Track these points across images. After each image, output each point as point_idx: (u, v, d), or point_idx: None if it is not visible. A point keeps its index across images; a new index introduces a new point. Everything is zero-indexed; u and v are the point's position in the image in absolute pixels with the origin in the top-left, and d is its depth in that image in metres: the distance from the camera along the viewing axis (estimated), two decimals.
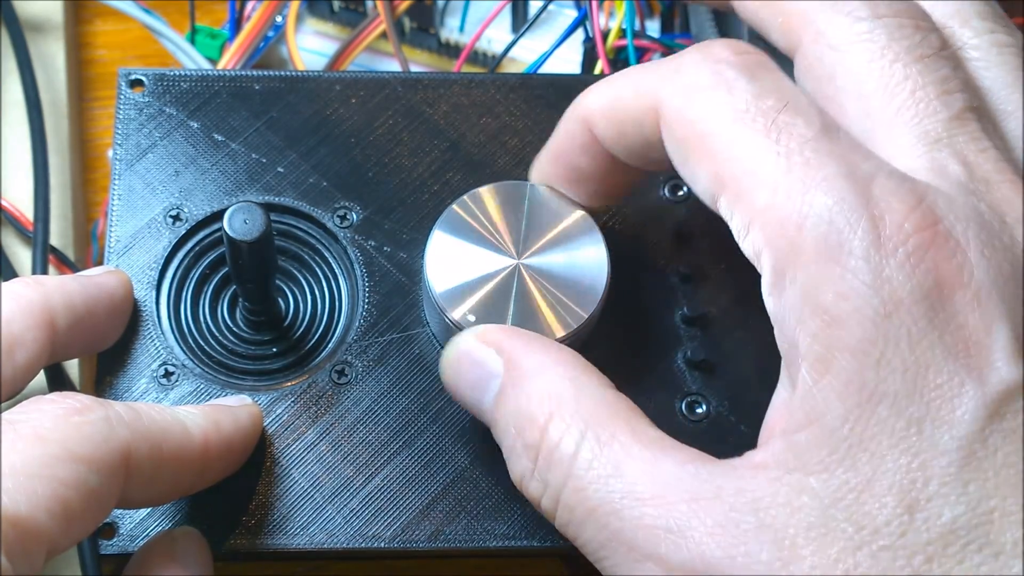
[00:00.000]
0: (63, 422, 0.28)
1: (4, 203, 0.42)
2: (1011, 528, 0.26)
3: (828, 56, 0.31)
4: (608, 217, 0.38)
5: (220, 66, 0.45)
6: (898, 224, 0.27)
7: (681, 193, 0.39)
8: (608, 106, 0.33)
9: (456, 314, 0.34)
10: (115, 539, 0.34)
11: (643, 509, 0.28)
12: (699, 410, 0.36)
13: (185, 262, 0.37)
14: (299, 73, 0.41)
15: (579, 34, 0.45)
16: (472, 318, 0.34)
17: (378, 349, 0.36)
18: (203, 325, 0.37)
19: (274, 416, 0.35)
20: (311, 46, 0.49)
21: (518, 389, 0.31)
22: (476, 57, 0.49)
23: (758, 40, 0.34)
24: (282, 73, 0.40)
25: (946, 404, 0.27)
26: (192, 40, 0.47)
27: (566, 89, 0.40)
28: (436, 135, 0.39)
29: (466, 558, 0.39)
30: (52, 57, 0.48)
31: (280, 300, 0.37)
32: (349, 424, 0.35)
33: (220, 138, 0.39)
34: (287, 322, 0.37)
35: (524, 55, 0.47)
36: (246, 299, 0.36)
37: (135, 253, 0.37)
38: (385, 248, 0.38)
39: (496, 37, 0.48)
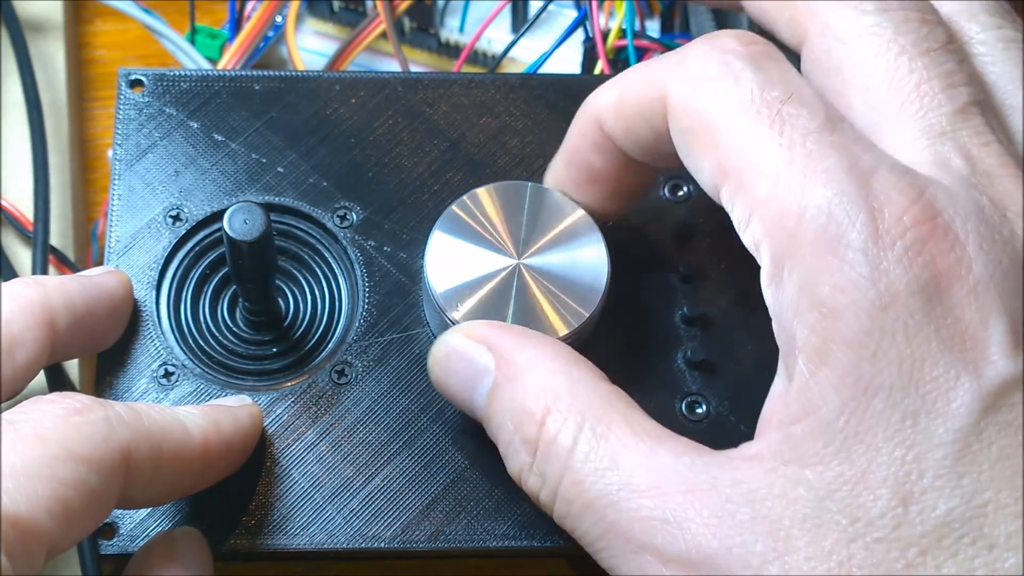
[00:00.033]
0: (63, 422, 0.28)
1: (4, 203, 0.42)
2: (1005, 521, 0.26)
3: (835, 49, 0.31)
4: None
5: (220, 66, 0.45)
6: (897, 217, 0.28)
7: (681, 193, 0.39)
8: (617, 100, 0.33)
9: (456, 315, 0.34)
10: (115, 539, 0.34)
11: (640, 501, 0.28)
12: (699, 410, 0.36)
13: (185, 262, 0.37)
14: (299, 73, 0.41)
15: (579, 34, 0.45)
16: (462, 307, 0.34)
17: (378, 349, 0.36)
18: (203, 325, 0.37)
19: (274, 416, 0.35)
20: (311, 46, 0.49)
21: (513, 384, 0.31)
22: (476, 57, 0.49)
23: (762, 36, 0.34)
24: (282, 73, 0.40)
25: (941, 397, 0.27)
26: (192, 40, 0.47)
27: (566, 89, 0.40)
28: (436, 135, 0.39)
29: (466, 558, 0.39)
30: (52, 57, 0.48)
31: (280, 300, 0.37)
32: (349, 424, 0.35)
33: (220, 138, 0.39)
34: (287, 322, 0.37)
35: (524, 55, 0.47)
36: (246, 299, 0.36)
37: (135, 253, 0.37)
38: (385, 248, 0.38)
39: (496, 37, 0.48)
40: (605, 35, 0.44)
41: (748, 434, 0.30)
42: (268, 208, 0.34)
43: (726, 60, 0.30)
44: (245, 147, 0.39)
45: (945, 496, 0.26)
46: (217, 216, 0.37)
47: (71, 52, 0.49)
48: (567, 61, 0.47)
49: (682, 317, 0.37)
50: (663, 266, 0.38)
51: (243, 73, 0.40)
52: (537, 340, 0.32)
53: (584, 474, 0.29)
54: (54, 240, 0.42)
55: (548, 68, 0.44)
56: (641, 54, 0.43)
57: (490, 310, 0.34)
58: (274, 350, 0.36)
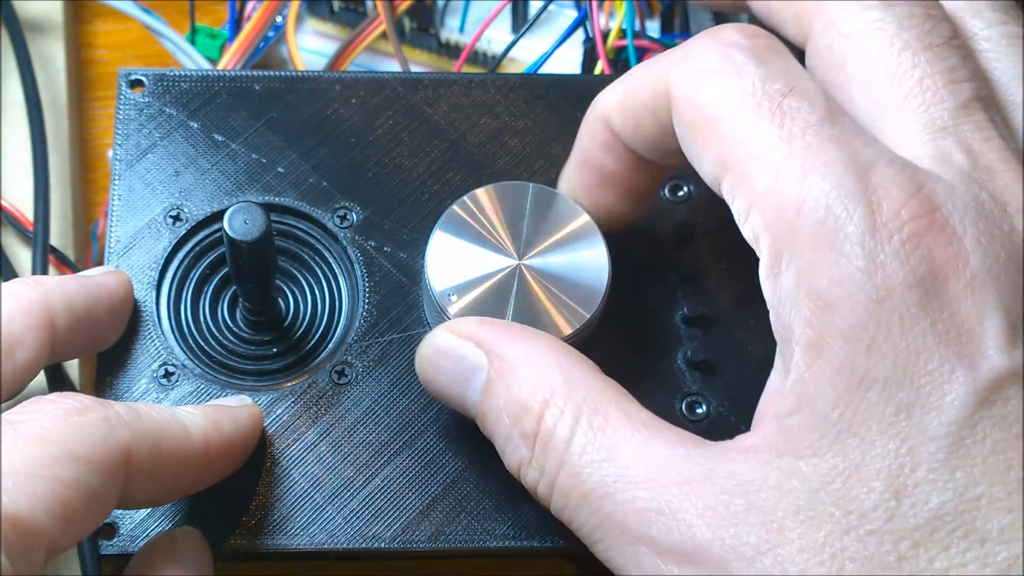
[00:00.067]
0: (63, 422, 0.28)
1: (4, 203, 0.42)
2: (997, 515, 0.26)
3: (838, 44, 0.31)
4: None
5: (220, 66, 0.45)
6: (895, 211, 0.28)
7: (681, 193, 0.39)
8: (623, 98, 0.33)
9: (456, 315, 0.34)
10: (115, 539, 0.34)
11: (635, 492, 0.29)
12: (699, 410, 0.36)
13: (185, 262, 0.37)
14: (299, 73, 0.41)
15: (579, 34, 0.45)
16: (454, 298, 0.34)
17: (378, 349, 0.36)
18: (203, 325, 0.37)
19: (274, 416, 0.35)
20: (311, 46, 0.49)
21: (507, 379, 0.31)
22: (476, 57, 0.49)
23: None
24: (282, 73, 0.40)
25: (936, 390, 0.27)
26: (192, 40, 0.47)
27: (566, 89, 0.40)
28: (436, 135, 0.39)
29: (466, 558, 0.39)
30: (52, 57, 0.48)
31: (280, 300, 0.37)
32: (349, 424, 0.35)
33: (220, 138, 0.39)
34: (287, 322, 0.37)
35: (524, 55, 0.47)
36: (246, 299, 0.36)
37: (135, 253, 0.37)
38: (385, 248, 0.38)
39: (496, 37, 0.48)
40: (605, 35, 0.44)
41: None
42: (268, 208, 0.34)
43: (729, 53, 0.30)
44: (245, 147, 0.39)
45: (938, 489, 0.26)
46: (217, 216, 0.37)
47: (71, 52, 0.49)
48: (567, 61, 0.47)
49: (682, 317, 0.37)
50: (663, 266, 0.38)
51: (243, 73, 0.40)
52: (526, 334, 0.32)
53: (581, 466, 0.29)
54: (54, 240, 0.42)
55: (548, 68, 0.44)
56: (641, 54, 0.43)
57: (490, 311, 0.34)
58: (274, 350, 0.36)
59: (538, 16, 0.45)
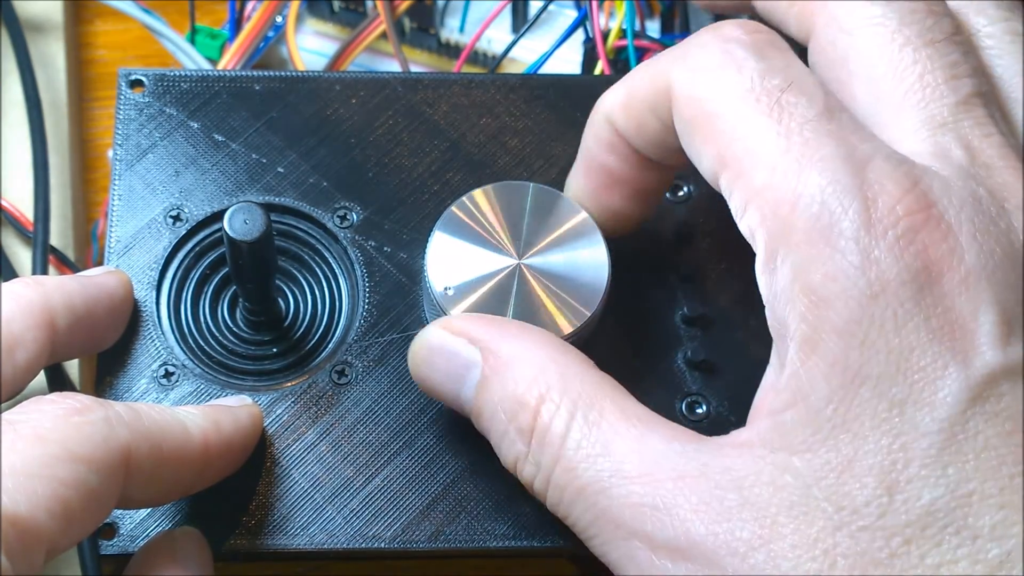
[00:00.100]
0: (63, 422, 0.28)
1: (4, 203, 0.42)
2: (989, 512, 0.26)
3: (840, 40, 0.31)
4: None
5: (220, 66, 0.45)
6: (890, 207, 0.28)
7: (681, 193, 0.39)
8: (625, 97, 0.33)
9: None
10: (115, 539, 0.34)
11: (630, 487, 0.29)
12: (699, 410, 0.36)
13: (185, 262, 0.37)
14: (299, 73, 0.41)
15: (579, 34, 0.45)
16: (451, 291, 0.34)
17: (378, 349, 0.36)
18: (203, 325, 0.37)
19: (274, 416, 0.35)
20: (311, 46, 0.49)
21: (502, 376, 0.31)
22: (476, 57, 0.49)
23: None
24: (282, 73, 0.40)
25: (929, 386, 0.27)
26: (192, 40, 0.47)
27: (566, 89, 0.40)
28: (436, 135, 0.39)
29: (466, 558, 0.39)
30: (52, 57, 0.48)
31: (280, 300, 0.37)
32: (349, 424, 0.35)
33: (220, 138, 0.39)
34: (287, 322, 0.37)
35: (524, 55, 0.47)
36: (246, 299, 0.36)
37: (135, 253, 0.37)
38: (385, 248, 0.38)
39: (496, 37, 0.48)
40: (605, 35, 0.44)
41: None
42: (268, 208, 0.34)
43: (729, 49, 0.30)
44: (245, 147, 0.39)
45: (930, 485, 0.26)
46: (217, 216, 0.37)
47: (71, 52, 0.49)
48: (567, 61, 0.47)
49: (682, 317, 0.37)
50: (663, 266, 0.38)
51: (243, 73, 0.40)
52: (519, 329, 0.32)
53: (576, 461, 0.29)
54: (54, 240, 0.42)
55: (548, 68, 0.44)
56: (641, 54, 0.43)
57: (491, 310, 0.34)
58: (274, 350, 0.36)
59: (538, 16, 0.45)
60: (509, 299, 0.34)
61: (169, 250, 0.37)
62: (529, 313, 0.34)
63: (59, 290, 0.33)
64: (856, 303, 0.27)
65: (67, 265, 0.41)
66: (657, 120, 0.32)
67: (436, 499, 0.34)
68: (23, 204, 0.42)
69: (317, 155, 0.39)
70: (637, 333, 0.37)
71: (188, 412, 0.32)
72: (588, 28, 0.45)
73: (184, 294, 0.37)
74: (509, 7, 0.48)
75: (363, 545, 0.34)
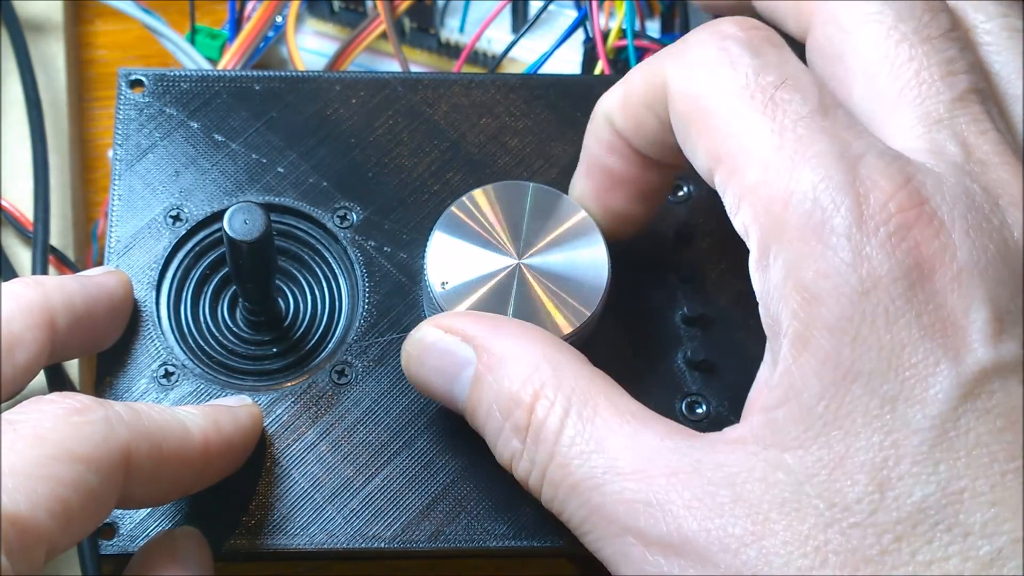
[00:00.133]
0: (63, 422, 0.28)
1: (4, 203, 0.42)
2: (980, 509, 0.26)
3: (837, 37, 0.31)
4: None
5: (220, 66, 0.45)
6: (882, 203, 0.28)
7: (681, 193, 0.39)
8: (623, 96, 0.33)
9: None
10: (115, 539, 0.34)
11: (624, 483, 0.29)
12: (699, 410, 0.36)
13: (185, 262, 0.37)
14: (299, 73, 0.41)
15: (579, 34, 0.45)
16: (447, 284, 0.34)
17: (378, 349, 0.36)
18: (203, 325, 0.37)
19: (274, 416, 0.35)
20: (311, 46, 0.49)
21: (497, 373, 0.31)
22: (476, 57, 0.49)
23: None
24: (282, 73, 0.40)
25: (920, 383, 0.27)
26: (192, 40, 0.47)
27: (566, 89, 0.40)
28: (436, 135, 0.39)
29: (466, 558, 0.39)
30: (52, 57, 0.48)
31: (280, 300, 0.37)
32: (349, 424, 0.35)
33: (220, 138, 0.39)
34: (287, 322, 0.37)
35: (524, 55, 0.47)
36: (246, 299, 0.36)
37: (135, 253, 0.37)
38: (385, 248, 0.38)
39: (496, 37, 0.48)
40: (605, 35, 0.44)
41: None
42: (268, 208, 0.34)
43: (725, 46, 0.30)
44: (245, 147, 0.39)
45: (921, 483, 0.26)
46: (217, 216, 0.37)
47: (71, 52, 0.49)
48: (567, 61, 0.47)
49: (682, 317, 0.37)
50: (663, 266, 0.38)
51: (243, 73, 0.40)
52: (512, 326, 0.32)
53: (570, 457, 0.30)
54: (54, 240, 0.42)
55: (548, 68, 0.44)
56: (641, 54, 0.43)
57: (491, 310, 0.34)
58: (274, 350, 0.36)
59: (538, 16, 0.45)
60: (509, 299, 0.34)
61: (169, 250, 0.37)
62: (529, 313, 0.34)
63: (59, 290, 0.33)
64: (848, 300, 0.27)
65: (67, 265, 0.41)
66: (655, 118, 0.32)
67: (436, 499, 0.34)
68: (23, 204, 0.42)
69: (317, 155, 0.39)
70: (637, 333, 0.37)
71: (188, 412, 0.32)
72: (588, 28, 0.45)
73: (184, 294, 0.37)
74: (509, 7, 0.48)
75: (363, 545, 0.34)
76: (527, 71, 0.45)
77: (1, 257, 0.42)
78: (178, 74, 0.40)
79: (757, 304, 0.30)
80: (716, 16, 0.46)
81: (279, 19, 0.47)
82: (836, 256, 0.27)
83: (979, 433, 0.26)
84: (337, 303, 0.37)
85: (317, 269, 0.38)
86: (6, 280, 0.35)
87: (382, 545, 0.34)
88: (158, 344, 0.36)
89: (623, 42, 0.43)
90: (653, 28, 0.48)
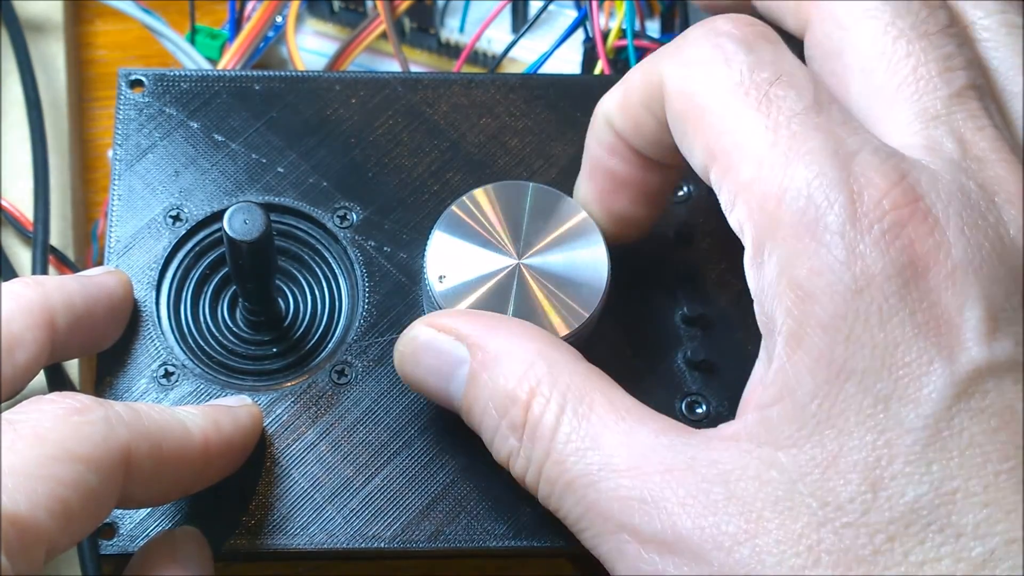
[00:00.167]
0: (62, 422, 0.28)
1: (4, 203, 0.42)
2: (973, 510, 0.26)
3: (835, 33, 0.31)
4: None
5: (220, 66, 0.45)
6: (876, 200, 0.27)
7: (681, 193, 0.39)
8: (622, 97, 0.33)
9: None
10: (115, 539, 0.34)
11: (619, 480, 0.29)
12: (699, 410, 0.36)
13: (185, 262, 0.37)
14: (299, 73, 0.41)
15: (579, 34, 0.45)
16: (444, 279, 0.34)
17: (378, 349, 0.36)
18: (203, 325, 0.37)
19: (274, 416, 0.35)
20: (311, 46, 0.49)
21: (492, 372, 0.31)
22: (476, 57, 0.49)
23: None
24: (282, 73, 0.40)
25: (913, 382, 0.27)
26: (192, 40, 0.47)
27: (566, 89, 0.40)
28: (436, 135, 0.39)
29: (466, 558, 0.39)
30: (52, 57, 0.48)
31: (280, 300, 0.37)
32: (349, 424, 0.35)
33: (220, 138, 0.39)
34: (287, 322, 0.37)
35: (524, 55, 0.47)
36: (246, 299, 0.36)
37: (135, 253, 0.37)
38: (385, 248, 0.38)
39: (496, 37, 0.48)
40: (605, 35, 0.44)
41: None
42: (268, 208, 0.34)
43: (719, 43, 0.30)
44: (245, 147, 0.39)
45: (914, 483, 0.26)
46: (217, 216, 0.37)
47: (71, 52, 0.49)
48: (567, 61, 0.47)
49: (682, 317, 0.37)
50: (663, 266, 0.38)
51: (243, 73, 0.40)
52: (506, 324, 0.32)
53: (566, 454, 0.30)
54: (54, 240, 0.42)
55: (548, 68, 0.44)
56: (641, 54, 0.43)
57: (490, 310, 0.34)
58: (274, 350, 0.36)
59: (538, 16, 0.45)
60: (508, 299, 0.34)
61: (169, 250, 0.37)
62: (528, 313, 0.34)
63: (59, 290, 0.33)
64: (841, 298, 0.27)
65: (67, 265, 0.41)
66: (653, 117, 0.32)
67: (436, 499, 0.34)
68: (23, 204, 0.42)
69: (317, 155, 0.39)
70: (637, 333, 0.37)
71: (188, 412, 0.32)
72: (588, 28, 0.45)
73: (184, 294, 0.37)
74: (509, 7, 0.48)
75: (363, 545, 0.34)
76: (527, 71, 0.45)
77: (1, 257, 0.42)
78: (178, 74, 0.40)
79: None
80: (714, 11, 0.46)
81: (279, 19, 0.47)
82: (830, 254, 0.27)
83: (972, 433, 0.26)
84: (337, 303, 0.37)
85: (317, 269, 0.38)
86: (6, 280, 0.35)
87: (382, 545, 0.34)
88: (158, 344, 0.36)
89: (623, 42, 0.43)
90: (653, 28, 0.48)
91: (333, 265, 0.38)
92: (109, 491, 0.29)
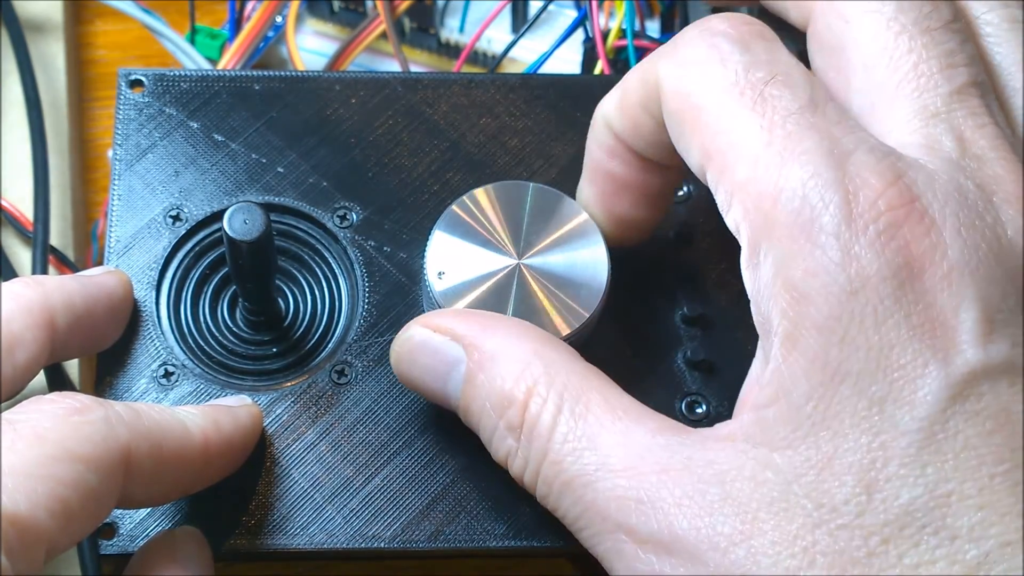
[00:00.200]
0: (62, 422, 0.28)
1: (4, 203, 0.42)
2: (968, 512, 0.26)
3: (837, 27, 0.31)
4: None
5: (220, 66, 0.45)
6: (871, 201, 0.27)
7: (681, 193, 0.39)
8: (620, 98, 0.33)
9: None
10: (115, 539, 0.34)
11: (616, 480, 0.29)
12: (699, 410, 0.36)
13: (185, 262, 0.37)
14: (299, 73, 0.41)
15: (579, 34, 0.45)
16: (443, 276, 0.34)
17: (378, 349, 0.36)
18: (203, 325, 0.37)
19: (274, 416, 0.35)
20: (311, 46, 0.49)
21: (489, 372, 0.31)
22: (476, 57, 0.49)
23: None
24: (282, 73, 0.40)
25: (908, 384, 0.27)
26: (192, 40, 0.47)
27: (566, 89, 0.40)
28: (436, 135, 0.39)
29: (466, 558, 0.39)
30: (52, 57, 0.48)
31: (280, 300, 0.37)
32: (349, 424, 0.35)
33: (220, 138, 0.39)
34: (287, 322, 0.37)
35: (524, 55, 0.47)
36: (246, 299, 0.36)
37: (135, 253, 0.37)
38: (385, 248, 0.38)
39: (496, 37, 0.48)
40: (605, 35, 0.44)
41: None
42: (268, 208, 0.34)
43: (715, 43, 0.30)
44: (245, 147, 0.39)
45: (909, 485, 0.26)
46: (217, 216, 0.37)
47: (71, 52, 0.49)
48: (567, 61, 0.47)
49: (682, 317, 0.37)
50: (663, 266, 0.38)
51: (243, 73, 0.40)
52: (502, 323, 0.32)
53: (563, 454, 0.30)
54: (54, 240, 0.42)
55: (548, 68, 0.44)
56: (641, 54, 0.43)
57: (489, 310, 0.34)
58: (274, 350, 0.36)
59: (538, 16, 0.45)
60: (508, 299, 0.34)
61: (169, 250, 0.37)
62: (528, 313, 0.34)
63: (59, 290, 0.33)
64: (836, 299, 0.27)
65: (67, 265, 0.41)
66: (650, 118, 0.32)
67: (436, 499, 0.34)
68: (23, 204, 0.42)
69: (317, 155, 0.39)
70: (637, 333, 0.37)
71: (188, 412, 0.32)
72: (588, 28, 0.45)
73: (184, 294, 0.37)
74: (509, 7, 0.48)
75: (363, 545, 0.34)
76: (527, 71, 0.45)
77: (1, 257, 0.42)
78: (178, 74, 0.40)
79: None
80: (717, 11, 0.46)
81: (279, 19, 0.47)
82: (825, 255, 0.27)
83: (967, 436, 0.26)
84: (337, 303, 0.37)
85: (317, 269, 0.38)
86: (6, 280, 0.35)
87: (382, 545, 0.34)
88: (158, 344, 0.36)
89: (623, 42, 0.43)
90: (653, 28, 0.48)
91: (333, 265, 0.38)
92: (109, 491, 0.29)
